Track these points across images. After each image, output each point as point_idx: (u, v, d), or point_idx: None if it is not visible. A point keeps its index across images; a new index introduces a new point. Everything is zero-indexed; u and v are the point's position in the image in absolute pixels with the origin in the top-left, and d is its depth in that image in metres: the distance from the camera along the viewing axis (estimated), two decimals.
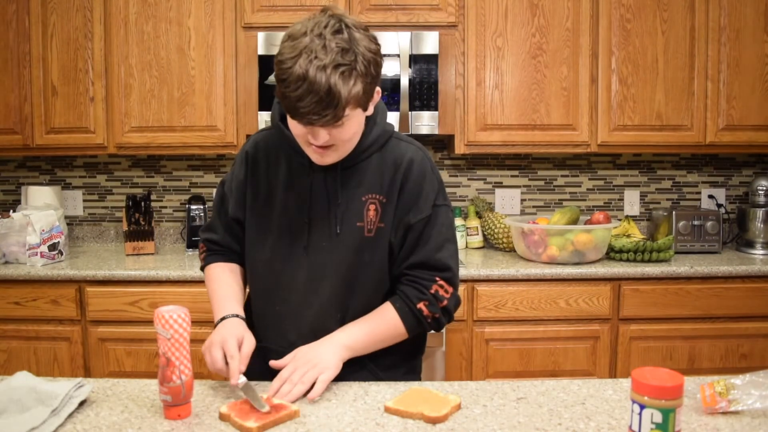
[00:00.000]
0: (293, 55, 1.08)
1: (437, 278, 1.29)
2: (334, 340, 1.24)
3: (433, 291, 1.28)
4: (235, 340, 1.20)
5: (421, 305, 1.27)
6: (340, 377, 1.21)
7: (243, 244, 1.39)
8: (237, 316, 1.28)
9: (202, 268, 1.47)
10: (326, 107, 1.08)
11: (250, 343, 1.22)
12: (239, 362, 1.17)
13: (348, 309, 1.30)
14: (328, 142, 1.16)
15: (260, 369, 1.28)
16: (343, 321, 1.30)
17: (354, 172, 1.28)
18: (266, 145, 1.35)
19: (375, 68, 1.15)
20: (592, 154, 3.05)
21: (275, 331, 1.34)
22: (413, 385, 1.21)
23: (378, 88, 1.22)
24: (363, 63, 1.10)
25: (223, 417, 1.06)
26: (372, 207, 1.27)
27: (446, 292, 1.29)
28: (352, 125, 1.17)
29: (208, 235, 1.45)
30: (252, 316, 1.39)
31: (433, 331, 1.38)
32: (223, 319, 1.28)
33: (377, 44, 1.17)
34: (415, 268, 1.29)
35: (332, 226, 1.27)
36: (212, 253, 1.44)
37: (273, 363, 1.22)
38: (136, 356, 2.41)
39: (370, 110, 1.23)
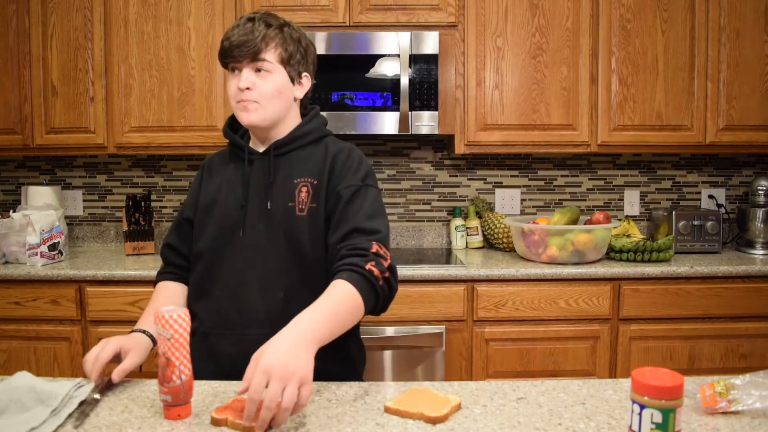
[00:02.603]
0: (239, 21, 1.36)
1: (372, 241, 1.28)
2: (300, 335, 1.05)
3: (374, 250, 1.26)
4: (113, 348, 1.22)
5: (369, 266, 1.22)
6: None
7: (188, 243, 1.48)
8: (144, 331, 1.32)
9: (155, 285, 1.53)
10: (249, 38, 1.32)
11: (131, 360, 1.22)
12: (96, 368, 1.17)
13: (291, 287, 1.34)
14: (251, 96, 1.34)
15: (208, 362, 1.34)
16: (287, 300, 1.32)
17: (288, 159, 1.41)
18: (220, 155, 1.52)
19: (304, 43, 1.42)
20: (592, 154, 3.05)
21: (216, 315, 1.37)
22: (413, 385, 1.21)
23: (308, 75, 1.44)
24: (291, 32, 1.39)
25: (217, 422, 1.03)
26: (304, 189, 1.37)
27: (385, 252, 1.28)
28: (274, 82, 1.35)
29: (165, 241, 1.53)
30: (193, 308, 1.41)
31: (379, 310, 1.29)
32: (131, 332, 1.31)
33: (309, 39, 1.47)
34: (349, 235, 1.29)
35: (264, 205, 1.37)
36: (162, 272, 1.52)
37: (240, 390, 1.00)
38: None
39: (299, 93, 1.42)
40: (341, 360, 1.39)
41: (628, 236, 2.69)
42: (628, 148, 2.75)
